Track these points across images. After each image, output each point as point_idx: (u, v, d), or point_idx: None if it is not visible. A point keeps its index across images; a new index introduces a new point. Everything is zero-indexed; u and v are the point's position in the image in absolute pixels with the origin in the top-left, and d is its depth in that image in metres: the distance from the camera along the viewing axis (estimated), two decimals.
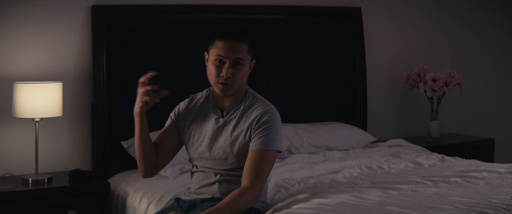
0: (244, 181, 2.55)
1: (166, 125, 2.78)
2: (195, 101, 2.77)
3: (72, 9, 3.68)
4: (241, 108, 2.66)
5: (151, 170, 2.75)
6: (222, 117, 2.68)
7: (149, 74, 2.59)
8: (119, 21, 3.73)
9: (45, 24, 3.62)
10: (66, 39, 3.68)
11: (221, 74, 2.58)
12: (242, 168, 2.62)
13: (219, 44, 2.59)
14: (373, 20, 4.54)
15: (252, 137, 2.61)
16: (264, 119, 2.61)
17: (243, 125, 2.64)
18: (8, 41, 3.55)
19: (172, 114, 2.78)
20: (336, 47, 4.32)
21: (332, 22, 4.35)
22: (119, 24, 3.73)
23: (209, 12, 3.96)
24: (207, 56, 2.66)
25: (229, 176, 2.67)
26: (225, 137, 2.66)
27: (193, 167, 2.79)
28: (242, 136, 2.63)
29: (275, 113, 2.65)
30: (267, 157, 2.58)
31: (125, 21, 3.75)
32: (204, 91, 2.78)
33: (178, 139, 2.77)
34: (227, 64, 2.58)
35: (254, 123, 2.61)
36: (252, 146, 2.59)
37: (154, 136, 2.80)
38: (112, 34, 3.70)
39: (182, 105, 2.78)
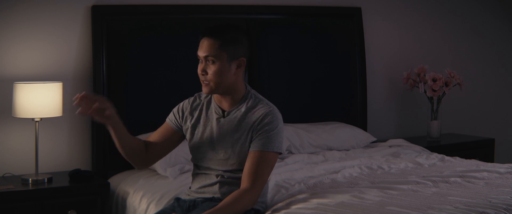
0: (244, 182, 2.55)
1: (167, 120, 2.79)
2: (198, 100, 2.77)
3: (72, 9, 3.68)
4: (243, 109, 2.66)
5: (141, 164, 2.76)
6: (224, 117, 2.68)
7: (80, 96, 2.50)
8: (119, 21, 3.73)
9: (45, 24, 3.62)
10: (66, 39, 3.68)
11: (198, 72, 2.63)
12: (237, 168, 2.64)
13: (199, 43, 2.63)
14: (373, 20, 4.54)
15: (253, 138, 2.60)
16: (266, 120, 2.60)
17: (245, 126, 2.63)
18: (8, 41, 3.55)
19: (175, 110, 2.78)
20: (336, 47, 4.32)
21: (332, 22, 4.35)
22: (119, 24, 3.73)
23: (209, 12, 3.96)
24: None
25: (230, 178, 2.67)
26: (226, 138, 2.66)
27: (194, 168, 2.78)
28: (243, 136, 2.63)
29: (277, 114, 2.64)
30: (268, 159, 2.58)
31: (125, 21, 3.75)
32: None
33: (177, 135, 2.76)
34: (202, 62, 2.61)
35: (256, 124, 2.61)
36: (253, 147, 2.59)
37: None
38: (112, 34, 3.70)
39: (186, 103, 2.77)
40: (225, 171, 2.67)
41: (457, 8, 4.93)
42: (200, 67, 2.61)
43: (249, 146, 2.61)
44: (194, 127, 2.72)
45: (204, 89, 2.63)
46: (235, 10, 4.04)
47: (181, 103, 2.79)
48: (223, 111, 2.69)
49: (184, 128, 2.75)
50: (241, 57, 2.63)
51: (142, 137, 3.62)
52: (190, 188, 2.79)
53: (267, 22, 4.14)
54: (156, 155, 2.76)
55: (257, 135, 2.60)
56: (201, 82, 2.63)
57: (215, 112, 2.70)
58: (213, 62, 2.59)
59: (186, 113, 2.75)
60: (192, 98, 2.79)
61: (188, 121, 2.73)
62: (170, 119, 2.78)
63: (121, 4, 3.76)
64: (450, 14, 4.90)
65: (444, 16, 4.88)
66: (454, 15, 4.92)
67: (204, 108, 2.73)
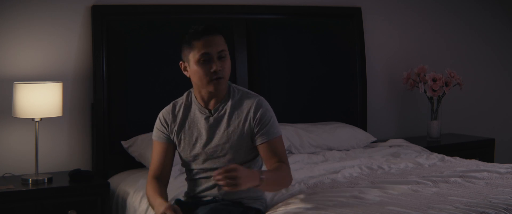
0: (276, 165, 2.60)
1: (158, 139, 2.74)
2: (178, 107, 2.74)
3: (72, 9, 3.68)
4: (230, 103, 2.66)
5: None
6: (211, 115, 2.67)
7: None
8: (119, 21, 3.73)
9: (45, 24, 3.62)
10: (66, 39, 3.68)
11: (212, 70, 2.57)
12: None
13: (198, 44, 2.57)
14: (373, 20, 4.54)
15: (256, 132, 2.62)
16: (260, 113, 2.63)
17: (237, 119, 2.64)
18: (8, 41, 3.55)
19: (158, 126, 2.74)
20: (336, 47, 4.32)
21: (332, 22, 4.35)
22: (119, 24, 3.73)
23: (209, 12, 3.96)
24: (184, 65, 2.64)
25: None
26: (220, 134, 2.65)
27: (189, 173, 2.75)
28: (238, 129, 2.64)
29: (265, 104, 2.68)
30: (279, 143, 2.65)
31: (125, 21, 3.75)
32: (184, 95, 2.76)
33: (172, 147, 2.75)
34: (214, 59, 2.58)
35: (251, 118, 2.63)
36: (260, 141, 2.62)
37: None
38: (112, 34, 3.70)
39: (165, 114, 2.74)
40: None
41: (457, 8, 4.93)
42: (217, 64, 2.57)
43: (248, 137, 2.63)
44: (181, 132, 2.70)
45: (218, 85, 2.60)
46: (235, 10, 4.04)
47: (160, 117, 2.74)
48: (209, 110, 2.68)
49: (171, 137, 2.73)
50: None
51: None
52: (187, 193, 2.78)
53: (267, 22, 4.14)
54: (168, 176, 2.76)
55: (258, 129, 2.62)
56: (213, 80, 2.59)
57: (200, 112, 2.69)
58: (226, 57, 2.61)
59: (169, 122, 2.72)
60: (170, 107, 2.75)
61: (175, 128, 2.71)
62: (158, 137, 2.74)
63: (121, 4, 3.76)
64: (450, 14, 4.90)
65: (444, 16, 4.88)
66: (454, 15, 4.92)
67: (186, 111, 2.71)
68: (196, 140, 2.68)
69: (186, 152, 2.71)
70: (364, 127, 4.39)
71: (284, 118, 3.88)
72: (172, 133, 2.72)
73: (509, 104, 5.21)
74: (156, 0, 3.85)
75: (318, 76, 4.25)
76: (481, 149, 4.50)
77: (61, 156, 3.70)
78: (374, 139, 4.15)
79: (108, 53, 3.69)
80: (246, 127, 2.63)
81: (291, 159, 3.58)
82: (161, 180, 2.73)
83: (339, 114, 4.31)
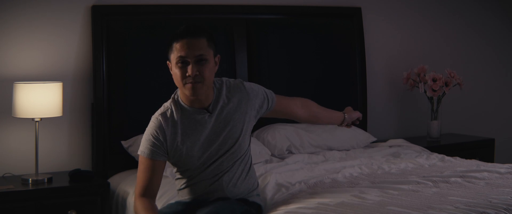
0: (299, 103, 3.00)
1: (151, 157, 2.60)
2: (170, 117, 2.64)
3: (72, 9, 3.68)
4: (223, 95, 2.65)
5: None
6: (209, 112, 2.63)
7: None
8: (119, 21, 3.73)
9: (45, 24, 3.62)
10: (66, 39, 3.68)
11: (187, 74, 2.52)
12: (242, 155, 2.68)
13: (177, 46, 2.53)
14: (373, 20, 4.54)
15: (266, 102, 2.76)
16: (252, 91, 2.70)
17: (237, 107, 2.65)
18: (8, 41, 3.55)
19: (152, 144, 2.60)
20: (336, 47, 4.32)
21: (332, 22, 4.35)
22: (119, 24, 3.72)
23: (209, 12, 3.96)
24: (170, 65, 2.60)
25: (231, 173, 2.67)
26: (226, 127, 2.64)
27: (189, 179, 2.70)
28: (242, 115, 2.66)
29: (246, 82, 2.73)
30: (280, 95, 2.88)
31: (125, 21, 3.75)
32: (169, 104, 2.68)
33: (165, 162, 2.67)
34: (191, 64, 2.52)
35: (250, 99, 2.68)
36: (272, 103, 2.79)
37: None
38: (112, 34, 3.70)
39: (158, 129, 2.61)
40: (229, 166, 2.66)
41: (457, 8, 4.93)
42: (192, 69, 2.51)
43: (252, 119, 2.71)
44: (184, 141, 2.63)
45: (194, 90, 2.53)
46: (235, 10, 4.04)
47: (153, 134, 2.61)
48: (206, 108, 2.64)
49: (172, 150, 2.63)
50: (218, 54, 2.65)
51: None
52: (189, 196, 2.73)
53: (267, 22, 4.14)
54: (157, 192, 2.66)
55: (261, 100, 2.73)
56: (188, 84, 2.53)
57: (197, 114, 2.63)
58: (206, 61, 2.55)
59: (168, 137, 2.61)
60: (159, 121, 2.63)
61: (176, 139, 2.62)
62: (152, 154, 2.60)
63: (121, 4, 3.76)
64: (450, 14, 4.90)
65: (444, 16, 4.88)
66: (454, 15, 4.92)
67: (184, 117, 2.63)
68: (202, 142, 2.64)
69: (197, 156, 2.64)
70: (364, 127, 4.39)
71: None
72: (173, 146, 2.62)
73: (509, 104, 5.21)
74: (156, 0, 3.85)
75: (318, 76, 4.25)
76: (481, 149, 4.50)
77: (61, 156, 3.70)
78: (374, 139, 4.16)
79: (108, 53, 3.69)
80: (249, 110, 2.67)
81: (291, 159, 3.59)
82: (151, 197, 2.62)
83: None
